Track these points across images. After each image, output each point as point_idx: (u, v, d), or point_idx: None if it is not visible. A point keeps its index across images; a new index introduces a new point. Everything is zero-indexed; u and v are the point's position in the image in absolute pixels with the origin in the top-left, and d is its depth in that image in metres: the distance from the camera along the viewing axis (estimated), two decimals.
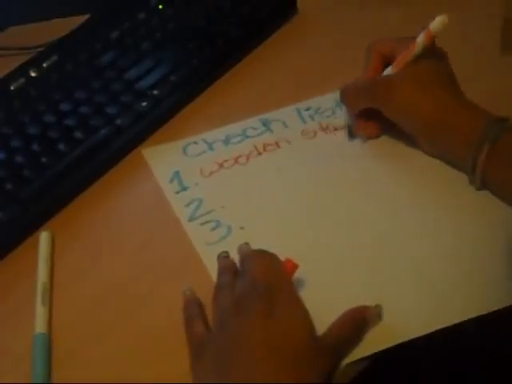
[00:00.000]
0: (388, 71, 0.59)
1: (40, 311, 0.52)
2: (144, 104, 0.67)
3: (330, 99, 0.67)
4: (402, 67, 0.58)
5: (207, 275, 0.54)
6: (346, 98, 0.62)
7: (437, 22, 0.56)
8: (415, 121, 0.57)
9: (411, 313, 0.49)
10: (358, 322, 0.48)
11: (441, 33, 0.57)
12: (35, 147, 0.64)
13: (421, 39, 0.57)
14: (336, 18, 0.77)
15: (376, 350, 0.47)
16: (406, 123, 0.58)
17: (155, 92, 0.68)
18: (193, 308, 0.51)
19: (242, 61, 0.73)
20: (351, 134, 0.63)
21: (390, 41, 0.61)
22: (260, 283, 0.47)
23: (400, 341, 0.47)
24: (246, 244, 0.54)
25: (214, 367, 0.45)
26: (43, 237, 0.58)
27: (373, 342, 0.47)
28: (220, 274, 0.52)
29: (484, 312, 0.48)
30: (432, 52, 0.58)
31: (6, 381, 0.49)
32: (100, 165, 0.63)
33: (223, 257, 0.54)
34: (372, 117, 0.61)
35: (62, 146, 0.63)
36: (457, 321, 0.48)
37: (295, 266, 0.49)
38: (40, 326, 0.51)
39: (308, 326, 0.46)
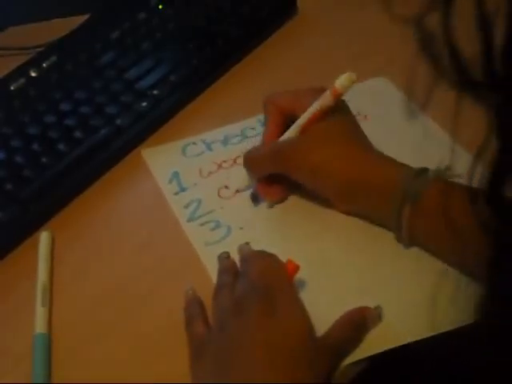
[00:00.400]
0: (291, 132, 0.56)
1: (40, 311, 0.52)
2: (144, 104, 0.67)
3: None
4: (306, 128, 0.55)
5: (207, 275, 0.54)
6: (249, 164, 0.58)
7: (344, 80, 0.53)
8: (328, 183, 0.53)
9: (412, 315, 0.49)
10: (358, 322, 0.48)
11: (348, 90, 0.53)
12: (35, 147, 0.63)
13: (327, 98, 0.53)
14: (336, 18, 0.77)
15: (376, 352, 0.47)
16: (318, 186, 0.55)
17: (155, 92, 0.68)
18: (194, 308, 0.51)
19: (241, 61, 0.73)
20: (256, 200, 0.59)
21: (287, 95, 0.58)
22: (260, 284, 0.47)
23: (400, 343, 0.47)
24: (247, 244, 0.54)
25: (213, 367, 0.45)
26: (43, 237, 0.58)
27: (373, 344, 0.47)
28: (220, 274, 0.53)
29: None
30: (336, 107, 0.54)
31: (6, 381, 0.49)
32: (100, 165, 0.63)
33: (224, 257, 0.54)
34: (275, 180, 0.57)
35: (62, 146, 0.63)
36: (458, 325, 0.47)
37: (297, 268, 0.49)
38: (40, 326, 0.51)
39: (307, 326, 0.46)
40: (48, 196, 0.60)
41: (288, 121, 0.57)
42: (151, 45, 0.73)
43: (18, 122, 0.66)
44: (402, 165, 0.52)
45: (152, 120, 0.67)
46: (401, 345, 0.47)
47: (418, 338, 0.47)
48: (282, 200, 0.58)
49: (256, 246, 0.54)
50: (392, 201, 0.51)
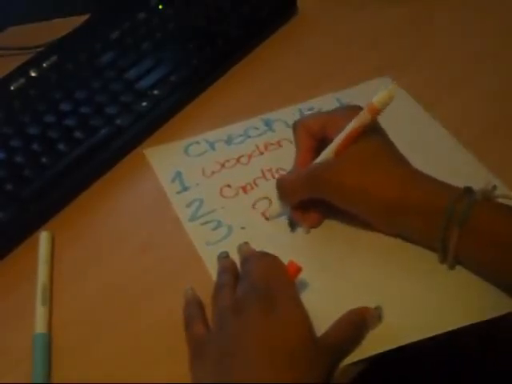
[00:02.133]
0: (327, 155, 0.53)
1: (40, 311, 0.52)
2: (144, 104, 0.67)
3: (332, 99, 0.67)
4: (341, 150, 0.52)
5: (208, 275, 0.54)
6: (285, 191, 0.56)
7: (382, 96, 0.50)
8: (369, 205, 0.51)
9: (412, 316, 0.49)
10: (358, 322, 0.48)
11: (386, 107, 0.50)
12: (35, 147, 0.63)
13: (364, 117, 0.51)
14: (336, 18, 0.77)
15: (376, 352, 0.47)
16: (359, 209, 0.52)
17: (155, 92, 0.68)
18: (193, 308, 0.51)
19: (242, 61, 0.73)
20: (293, 226, 0.56)
21: (317, 117, 0.57)
22: (260, 285, 0.47)
23: (400, 344, 0.47)
24: (246, 243, 0.54)
25: (213, 367, 0.45)
26: (43, 237, 0.58)
27: (373, 344, 0.47)
28: (220, 274, 0.52)
29: (486, 318, 0.48)
30: (370, 128, 0.52)
31: (6, 381, 0.49)
32: (100, 165, 0.63)
33: (223, 257, 0.54)
34: (309, 204, 0.55)
35: (61, 146, 0.63)
36: (458, 325, 0.47)
37: (299, 269, 0.49)
38: (40, 326, 0.51)
39: (307, 326, 0.46)
40: (48, 196, 0.60)
41: (319, 144, 0.55)
42: (151, 45, 0.73)
43: (18, 121, 0.66)
44: (445, 185, 0.50)
45: (152, 120, 0.67)
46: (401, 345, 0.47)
47: (418, 338, 0.47)
48: (318, 225, 0.56)
49: (256, 246, 0.54)
50: (437, 223, 0.49)
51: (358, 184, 0.51)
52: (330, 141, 0.53)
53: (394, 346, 0.47)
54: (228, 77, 0.72)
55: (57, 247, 0.58)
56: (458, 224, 0.48)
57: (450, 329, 0.47)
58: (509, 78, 0.67)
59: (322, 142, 0.55)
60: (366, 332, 0.48)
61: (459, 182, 0.51)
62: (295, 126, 0.57)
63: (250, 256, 0.52)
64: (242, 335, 0.45)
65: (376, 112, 0.51)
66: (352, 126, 0.51)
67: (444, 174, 0.58)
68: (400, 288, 0.51)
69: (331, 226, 0.56)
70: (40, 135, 0.65)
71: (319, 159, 0.54)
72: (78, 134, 0.64)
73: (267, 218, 0.57)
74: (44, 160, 0.62)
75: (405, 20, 0.75)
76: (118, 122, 0.65)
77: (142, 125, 0.66)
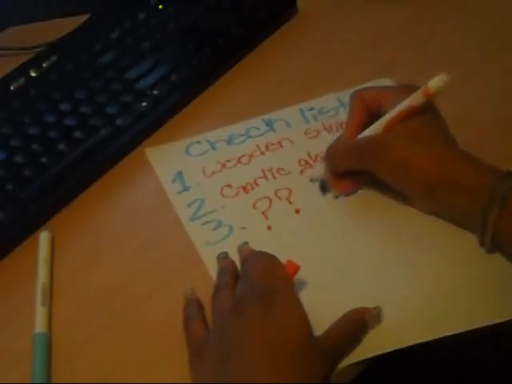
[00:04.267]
0: (376, 127, 0.54)
1: (40, 311, 0.52)
2: (144, 104, 0.67)
3: (333, 99, 0.67)
4: (392, 125, 0.53)
5: (208, 275, 0.54)
6: (332, 158, 0.57)
7: (437, 81, 0.52)
8: (413, 181, 0.52)
9: (413, 318, 0.49)
10: (357, 323, 0.48)
11: (441, 92, 0.52)
12: (35, 147, 0.63)
13: (417, 98, 0.53)
14: (336, 18, 0.77)
15: (376, 354, 0.47)
16: (402, 184, 0.54)
17: (155, 92, 0.68)
18: (192, 308, 0.51)
19: (241, 61, 0.73)
20: (324, 189, 0.58)
21: (375, 90, 0.58)
22: (259, 285, 0.47)
23: (401, 346, 0.47)
24: (246, 243, 0.54)
25: (212, 367, 0.45)
26: (43, 237, 0.58)
27: (373, 346, 0.47)
28: (219, 274, 0.53)
29: (489, 323, 0.47)
30: (425, 108, 0.53)
31: (6, 381, 0.49)
32: (100, 165, 0.63)
33: (222, 257, 0.54)
34: (348, 174, 0.57)
35: (61, 146, 0.63)
36: (460, 330, 0.47)
37: (297, 268, 0.49)
38: (40, 326, 0.51)
39: (306, 326, 0.46)
40: (48, 196, 0.60)
41: (372, 116, 0.56)
42: (151, 45, 0.73)
43: (17, 121, 0.66)
44: (490, 166, 0.51)
45: (152, 120, 0.67)
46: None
47: (419, 341, 0.47)
48: (349, 193, 0.58)
49: (257, 246, 0.54)
50: (478, 202, 0.49)
51: (401, 157, 0.52)
52: (383, 114, 0.54)
53: (394, 348, 0.47)
54: (228, 77, 0.72)
55: (57, 247, 0.58)
56: (498, 204, 0.48)
57: (450, 333, 0.47)
58: (509, 78, 0.67)
59: (374, 115, 0.56)
60: (366, 332, 0.48)
61: None
62: (352, 96, 0.58)
63: (250, 256, 0.52)
64: (241, 336, 0.45)
65: (429, 95, 0.52)
66: (404, 105, 0.53)
67: None
68: (401, 289, 0.51)
69: (333, 223, 0.56)
70: (40, 135, 0.65)
71: (368, 132, 0.55)
72: (77, 134, 0.64)
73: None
74: (44, 160, 0.62)
75: (405, 20, 0.75)
76: (118, 122, 0.65)
77: (142, 125, 0.66)
